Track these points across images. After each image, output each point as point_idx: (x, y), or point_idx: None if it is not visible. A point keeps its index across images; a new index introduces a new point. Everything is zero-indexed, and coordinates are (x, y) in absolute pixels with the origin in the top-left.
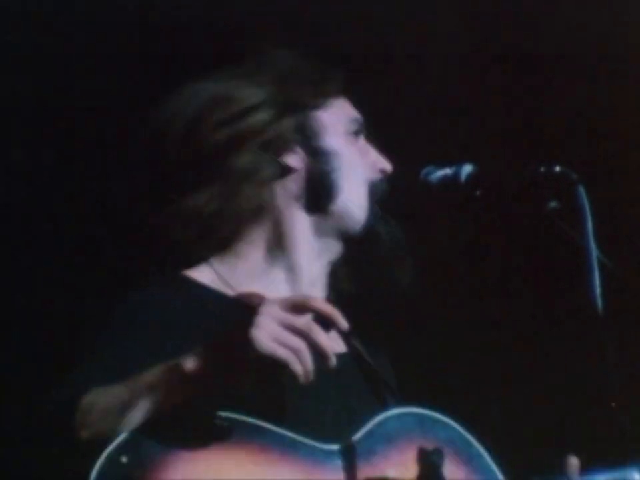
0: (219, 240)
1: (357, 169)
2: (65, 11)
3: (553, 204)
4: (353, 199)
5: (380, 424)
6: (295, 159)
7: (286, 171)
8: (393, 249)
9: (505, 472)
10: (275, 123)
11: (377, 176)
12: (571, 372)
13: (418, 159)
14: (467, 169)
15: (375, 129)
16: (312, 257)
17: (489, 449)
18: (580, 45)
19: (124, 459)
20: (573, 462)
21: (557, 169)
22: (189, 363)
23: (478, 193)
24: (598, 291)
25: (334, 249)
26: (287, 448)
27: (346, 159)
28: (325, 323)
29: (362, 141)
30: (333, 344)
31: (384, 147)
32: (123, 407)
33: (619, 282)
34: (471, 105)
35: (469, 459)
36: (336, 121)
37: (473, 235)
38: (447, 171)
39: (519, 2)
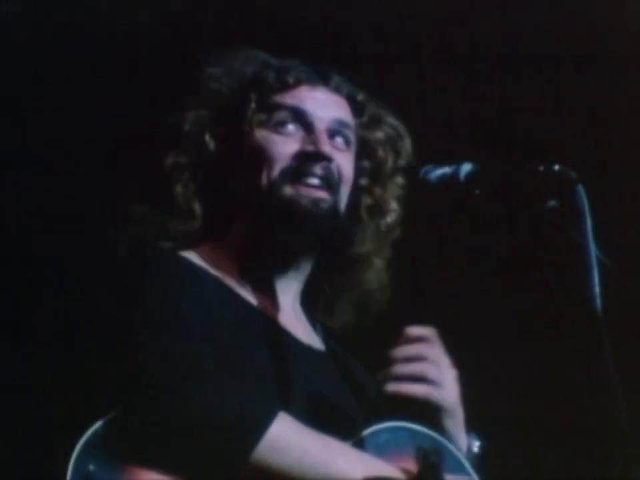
0: None
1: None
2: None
3: (552, 203)
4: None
5: (372, 434)
6: None
7: None
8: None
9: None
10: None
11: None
12: (570, 372)
13: (417, 158)
14: (466, 167)
15: None
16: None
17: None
18: (580, 44)
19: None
20: None
21: (556, 167)
22: None
23: (477, 191)
24: (597, 290)
25: None
26: None
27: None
28: None
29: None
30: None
31: None
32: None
33: (618, 281)
34: (470, 104)
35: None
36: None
37: (472, 234)
38: (446, 169)
39: (519, 2)
